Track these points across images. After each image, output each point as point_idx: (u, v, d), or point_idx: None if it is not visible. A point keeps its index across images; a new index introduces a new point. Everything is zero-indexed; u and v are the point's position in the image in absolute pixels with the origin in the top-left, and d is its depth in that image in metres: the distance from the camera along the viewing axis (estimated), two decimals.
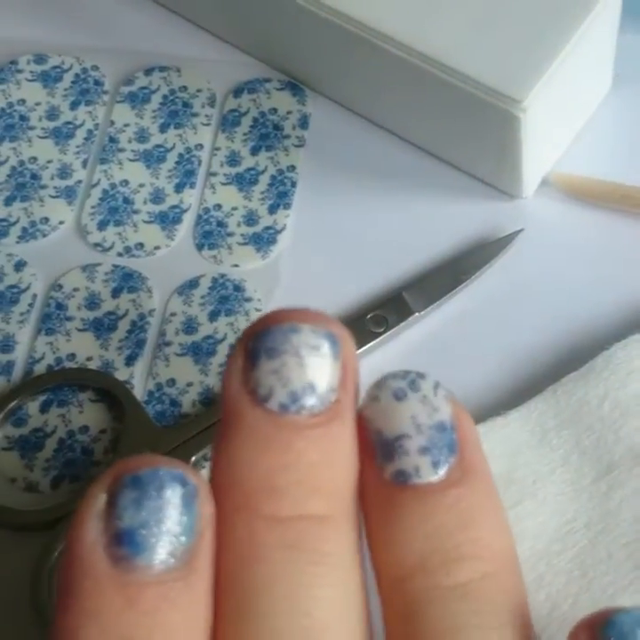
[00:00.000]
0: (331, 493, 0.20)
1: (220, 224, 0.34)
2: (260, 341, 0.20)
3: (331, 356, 0.20)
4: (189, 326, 0.32)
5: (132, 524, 0.19)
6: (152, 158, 0.35)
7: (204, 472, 0.30)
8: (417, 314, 0.31)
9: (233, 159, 0.35)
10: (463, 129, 0.32)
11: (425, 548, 0.20)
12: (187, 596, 0.19)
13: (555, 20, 0.30)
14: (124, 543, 0.19)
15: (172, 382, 0.31)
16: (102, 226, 0.34)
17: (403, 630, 0.20)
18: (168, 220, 0.34)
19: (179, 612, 0.19)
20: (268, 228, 0.33)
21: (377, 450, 0.21)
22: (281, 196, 0.34)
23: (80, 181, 0.34)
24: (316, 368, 0.20)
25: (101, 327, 0.32)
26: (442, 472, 0.20)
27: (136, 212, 0.34)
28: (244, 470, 0.20)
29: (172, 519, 0.19)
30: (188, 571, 0.19)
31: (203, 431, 0.30)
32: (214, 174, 0.34)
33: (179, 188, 0.34)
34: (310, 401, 0.20)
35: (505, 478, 0.28)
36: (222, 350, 0.31)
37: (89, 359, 0.31)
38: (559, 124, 0.33)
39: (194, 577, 0.19)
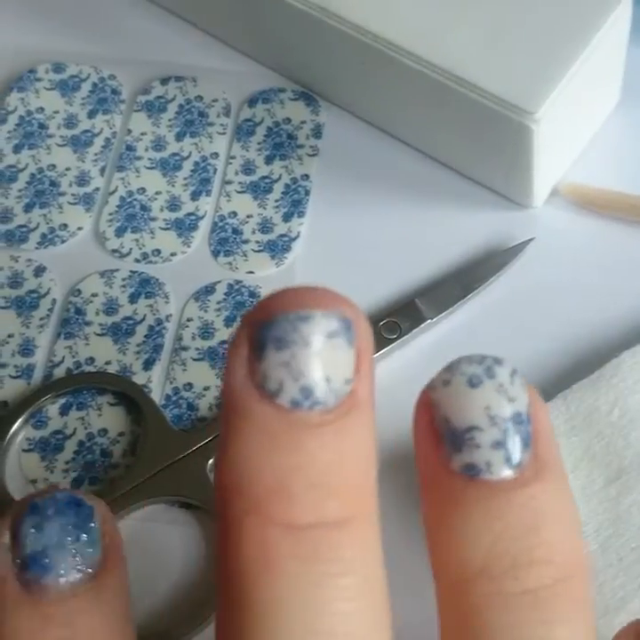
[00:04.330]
0: (348, 495, 0.18)
1: (236, 231, 0.34)
2: (267, 331, 0.18)
3: (345, 344, 0.18)
4: (206, 331, 0.32)
5: (35, 548, 0.20)
6: (168, 166, 0.35)
7: None
8: (429, 321, 0.32)
9: (248, 168, 0.35)
10: (475, 139, 0.32)
11: (492, 550, 0.18)
12: (100, 605, 0.20)
13: (567, 32, 0.31)
14: (31, 566, 0.20)
15: (189, 386, 0.32)
16: (120, 232, 0.34)
17: (459, 633, 0.19)
18: (184, 227, 0.34)
19: (94, 620, 0.20)
20: (282, 235, 0.34)
21: (444, 438, 0.19)
22: (295, 204, 0.35)
23: (98, 189, 0.35)
24: (329, 358, 0.18)
25: (119, 332, 0.33)
26: (515, 468, 0.19)
27: (153, 219, 0.34)
28: (254, 471, 0.18)
29: (72, 537, 0.21)
30: (98, 582, 0.21)
31: (219, 435, 0.30)
32: (229, 182, 0.35)
33: (195, 196, 0.35)
34: (324, 395, 0.18)
35: None
36: None
37: (107, 363, 0.32)
38: (570, 134, 0.33)
39: (105, 587, 0.21)
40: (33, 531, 0.20)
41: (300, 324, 0.18)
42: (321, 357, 0.18)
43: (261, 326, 0.18)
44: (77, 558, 0.21)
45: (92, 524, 0.21)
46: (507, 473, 0.19)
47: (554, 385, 0.30)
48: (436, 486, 0.19)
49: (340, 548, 0.18)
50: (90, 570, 0.21)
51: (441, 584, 0.20)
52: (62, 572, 0.20)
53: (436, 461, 0.19)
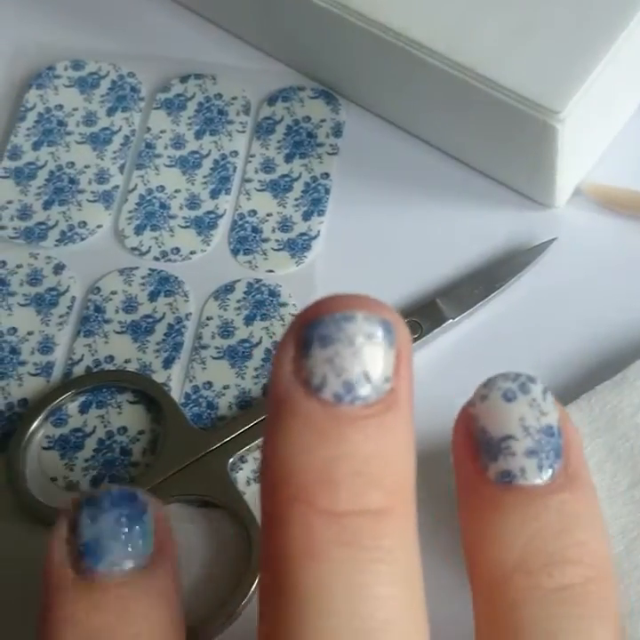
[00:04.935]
0: (388, 486, 0.19)
1: (255, 230, 0.34)
2: (313, 329, 0.19)
3: (385, 344, 0.20)
4: (225, 330, 0.32)
5: (90, 537, 0.21)
6: (188, 164, 0.35)
7: (241, 474, 0.30)
8: (451, 320, 0.32)
9: (267, 166, 0.35)
10: (498, 139, 0.32)
11: (527, 548, 0.20)
12: (150, 595, 0.21)
13: (592, 31, 0.30)
14: (86, 555, 0.21)
15: (208, 385, 0.31)
16: (139, 230, 0.34)
17: (496, 629, 0.20)
18: (204, 226, 0.34)
19: (142, 607, 0.21)
20: (302, 234, 0.34)
21: (481, 448, 0.21)
22: (315, 202, 0.34)
23: (117, 186, 0.35)
24: (370, 357, 0.19)
25: (139, 330, 0.32)
26: (547, 475, 0.20)
27: (172, 217, 0.34)
28: (300, 461, 0.19)
29: (126, 528, 0.21)
30: (148, 573, 0.21)
31: (239, 434, 0.30)
32: (249, 181, 0.35)
33: (214, 194, 0.35)
34: (365, 391, 0.19)
35: None
36: (258, 354, 0.32)
37: (127, 361, 0.32)
38: (593, 134, 0.33)
39: (156, 578, 0.21)
40: (89, 522, 0.21)
41: (344, 324, 0.19)
42: (363, 355, 0.19)
43: (308, 325, 0.20)
44: (130, 548, 0.21)
45: (145, 516, 0.22)
46: (540, 480, 0.20)
47: (577, 386, 0.30)
48: (474, 494, 0.21)
49: (382, 536, 0.19)
50: (142, 560, 0.21)
51: (477, 583, 0.21)
52: (115, 560, 0.21)
53: (474, 471, 0.21)
